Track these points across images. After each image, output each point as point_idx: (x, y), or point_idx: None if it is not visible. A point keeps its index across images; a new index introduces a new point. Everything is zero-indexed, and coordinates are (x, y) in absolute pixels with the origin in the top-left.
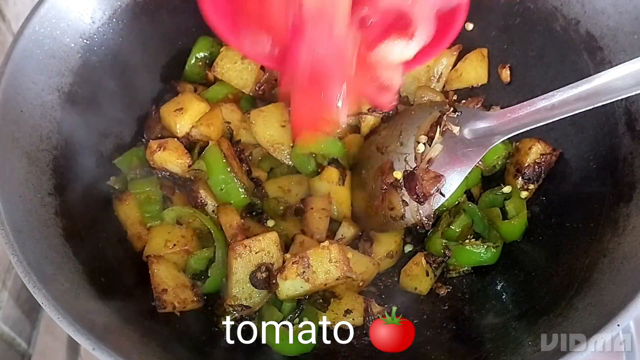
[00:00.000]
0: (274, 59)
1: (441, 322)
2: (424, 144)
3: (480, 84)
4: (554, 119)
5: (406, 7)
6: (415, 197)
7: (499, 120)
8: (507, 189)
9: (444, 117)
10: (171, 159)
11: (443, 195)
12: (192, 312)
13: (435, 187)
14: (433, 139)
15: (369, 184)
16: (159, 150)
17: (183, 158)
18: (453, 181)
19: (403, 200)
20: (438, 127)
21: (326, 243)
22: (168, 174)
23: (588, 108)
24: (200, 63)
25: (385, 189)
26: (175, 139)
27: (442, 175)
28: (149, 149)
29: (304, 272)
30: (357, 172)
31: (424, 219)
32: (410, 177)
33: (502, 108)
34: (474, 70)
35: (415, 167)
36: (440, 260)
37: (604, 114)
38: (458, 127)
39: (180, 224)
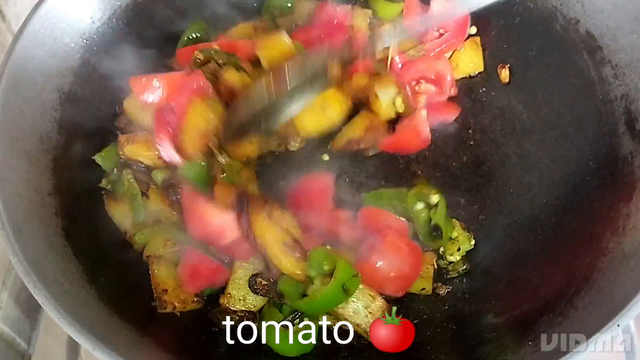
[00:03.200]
0: None
1: (441, 322)
2: None
3: (477, 72)
4: None
5: None
6: None
7: None
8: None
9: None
10: (140, 151)
11: None
12: (192, 312)
13: None
14: None
15: None
16: (128, 143)
17: (152, 150)
18: None
19: None
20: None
21: (376, 294)
22: (143, 166)
23: None
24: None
25: None
26: (145, 132)
27: None
28: (119, 143)
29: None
30: None
31: None
32: None
33: (502, 108)
34: (470, 59)
35: None
36: (448, 261)
37: (604, 114)
38: None
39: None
